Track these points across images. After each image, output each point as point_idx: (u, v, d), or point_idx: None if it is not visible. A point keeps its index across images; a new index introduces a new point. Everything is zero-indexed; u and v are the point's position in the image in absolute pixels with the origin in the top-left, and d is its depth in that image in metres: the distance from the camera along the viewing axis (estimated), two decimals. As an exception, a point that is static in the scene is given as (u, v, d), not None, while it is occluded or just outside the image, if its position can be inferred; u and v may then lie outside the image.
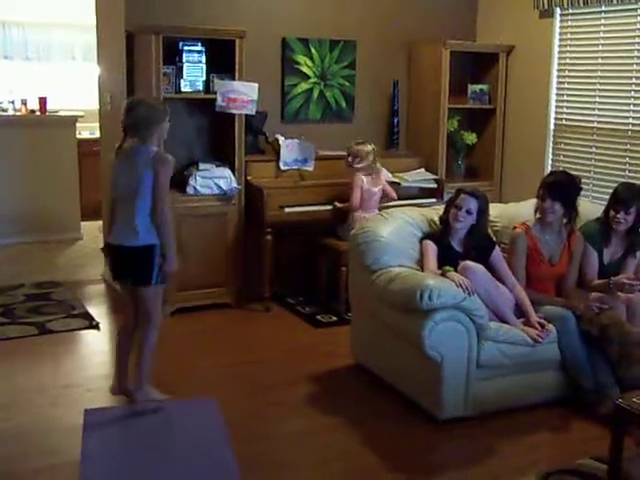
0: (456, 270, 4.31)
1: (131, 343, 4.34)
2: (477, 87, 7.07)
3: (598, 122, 6.29)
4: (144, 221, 3.99)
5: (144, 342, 4.23)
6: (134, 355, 4.29)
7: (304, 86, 6.60)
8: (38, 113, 8.46)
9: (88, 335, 5.60)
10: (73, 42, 9.95)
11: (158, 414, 4.22)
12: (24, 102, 8.54)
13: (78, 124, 8.52)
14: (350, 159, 6.05)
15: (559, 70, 6.60)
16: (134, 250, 4.05)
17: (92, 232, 8.30)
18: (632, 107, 5.99)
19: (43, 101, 8.43)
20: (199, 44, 5.87)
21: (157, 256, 4.04)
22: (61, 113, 8.66)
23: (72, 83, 9.92)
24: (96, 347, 5.46)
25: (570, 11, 6.42)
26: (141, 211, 3.99)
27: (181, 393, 4.47)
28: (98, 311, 6.04)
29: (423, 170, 6.82)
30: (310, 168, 6.31)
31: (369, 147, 6.05)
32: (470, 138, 7.06)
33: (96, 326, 5.71)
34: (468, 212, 4.53)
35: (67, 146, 8.31)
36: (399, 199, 6.26)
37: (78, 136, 8.60)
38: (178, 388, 4.55)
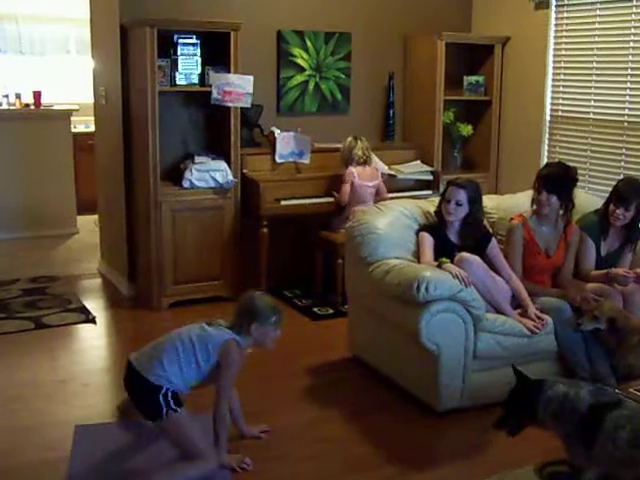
0: (452, 262, 4.31)
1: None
2: (473, 79, 7.06)
3: (594, 113, 6.28)
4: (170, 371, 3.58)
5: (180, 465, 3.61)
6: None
7: (299, 78, 6.59)
8: (32, 107, 8.45)
9: (84, 329, 5.60)
10: (67, 36, 9.94)
11: (156, 434, 3.83)
12: (18, 96, 8.53)
13: (73, 118, 8.50)
14: (342, 154, 6.08)
15: (555, 61, 6.59)
16: (148, 385, 3.58)
17: (88, 226, 8.28)
18: (628, 98, 5.99)
19: (37, 95, 8.41)
20: (194, 37, 5.85)
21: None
22: (56, 107, 8.64)
23: (66, 77, 9.90)
24: (92, 341, 5.45)
25: (566, 2, 6.41)
26: (176, 363, 3.60)
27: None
28: (94, 305, 6.04)
29: (419, 162, 6.82)
30: (306, 161, 6.31)
31: (359, 142, 6.05)
32: (466, 130, 7.05)
33: (92, 320, 5.71)
34: (458, 204, 4.52)
35: (62, 140, 8.30)
36: (395, 191, 6.26)
37: (73, 130, 8.58)
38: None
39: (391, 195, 6.10)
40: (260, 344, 3.80)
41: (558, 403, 3.20)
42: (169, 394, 3.54)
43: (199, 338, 3.64)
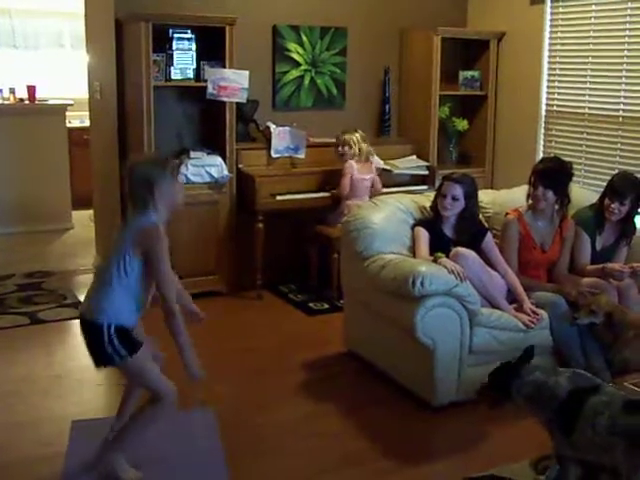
0: (448, 256, 4.31)
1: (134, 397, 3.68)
2: (468, 73, 7.06)
3: (589, 108, 6.29)
4: (107, 297, 3.33)
5: (142, 412, 3.46)
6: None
7: (295, 73, 6.58)
8: (27, 102, 8.42)
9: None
10: (62, 30, 9.90)
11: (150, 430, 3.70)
12: (12, 91, 8.48)
13: (68, 113, 8.49)
14: (340, 148, 6.07)
15: (550, 56, 6.59)
16: (90, 325, 3.36)
17: (83, 221, 8.28)
18: (623, 93, 5.99)
19: (32, 89, 8.39)
20: (189, 32, 5.84)
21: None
22: (50, 102, 8.61)
23: (61, 71, 9.86)
24: (88, 336, 5.45)
25: (561, -3, 6.42)
26: (108, 285, 3.32)
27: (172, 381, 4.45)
28: (90, 300, 6.02)
29: (414, 157, 6.81)
30: (301, 156, 6.30)
31: (357, 135, 6.06)
32: (461, 125, 7.05)
33: (88, 315, 5.69)
34: (454, 198, 4.52)
35: (57, 135, 8.28)
36: (390, 186, 6.26)
37: (68, 125, 8.57)
38: (169, 377, 4.53)
39: (387, 190, 6.09)
40: (173, 207, 3.39)
41: (534, 388, 3.25)
42: (112, 329, 3.27)
43: (115, 252, 3.30)
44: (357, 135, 6.08)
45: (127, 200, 3.40)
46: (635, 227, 4.91)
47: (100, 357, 3.37)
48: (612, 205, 4.73)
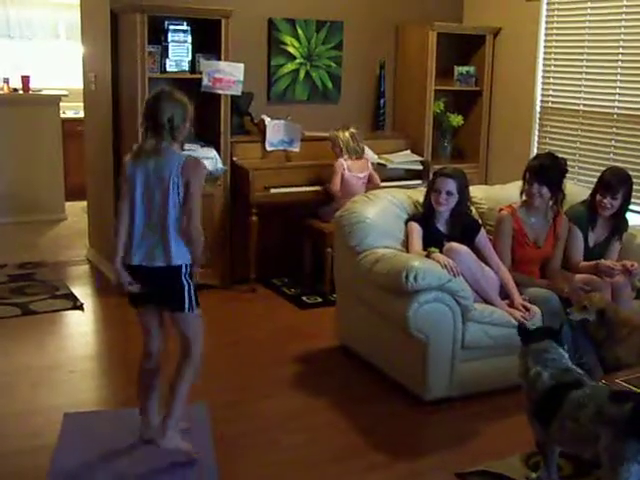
0: (441, 251, 4.31)
1: (157, 378, 3.75)
2: (463, 69, 7.06)
3: (584, 105, 6.29)
4: (177, 237, 3.42)
5: (184, 374, 3.59)
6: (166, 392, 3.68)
7: (290, 67, 6.56)
8: (21, 92, 8.40)
9: (72, 316, 5.58)
10: (57, 20, 9.85)
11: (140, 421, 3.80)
12: (6, 80, 8.46)
13: (62, 103, 8.46)
14: (330, 145, 6.07)
15: (545, 53, 6.59)
16: (170, 271, 3.44)
17: (76, 212, 8.26)
18: (618, 90, 5.99)
19: (26, 80, 8.36)
20: (185, 23, 5.82)
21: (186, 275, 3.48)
22: (44, 92, 8.58)
23: (56, 62, 9.81)
24: (80, 328, 5.45)
25: (557, -7, 6.42)
26: (173, 226, 3.41)
27: (163, 375, 4.44)
28: (82, 292, 6.02)
29: (409, 152, 6.81)
30: (296, 149, 6.29)
31: (346, 134, 6.04)
32: (456, 120, 7.05)
33: (80, 307, 5.69)
34: (449, 193, 4.51)
35: (51, 126, 8.25)
36: (385, 180, 6.26)
37: (62, 115, 8.54)
38: (163, 369, 4.53)
39: (381, 184, 6.09)
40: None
41: (523, 369, 3.42)
42: (186, 270, 3.44)
43: (161, 188, 3.37)
44: (346, 133, 6.05)
45: (147, 129, 3.40)
46: (627, 223, 4.93)
47: (180, 303, 3.46)
48: (604, 200, 4.74)
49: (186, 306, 3.48)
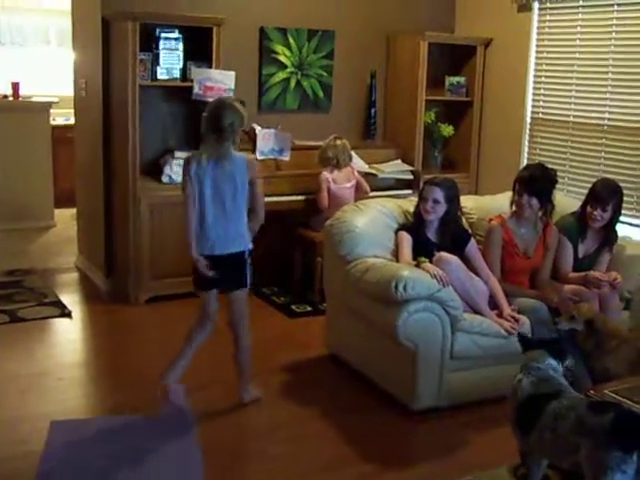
0: (431, 261, 4.31)
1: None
2: (454, 79, 7.08)
3: (574, 116, 6.32)
4: (244, 226, 4.10)
5: (244, 345, 4.28)
6: (236, 357, 4.32)
7: (281, 76, 6.57)
8: (11, 98, 8.36)
9: (60, 323, 5.56)
10: (48, 26, 9.84)
11: (129, 429, 3.94)
12: (-4, 87, 8.45)
13: (52, 110, 8.43)
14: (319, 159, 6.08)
15: (536, 64, 6.62)
16: (239, 256, 4.11)
17: (65, 219, 8.23)
18: (608, 102, 6.02)
19: (16, 86, 8.33)
20: (176, 31, 5.83)
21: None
22: (35, 99, 8.56)
23: (46, 68, 9.79)
24: (68, 335, 5.42)
25: (548, 5, 6.43)
26: (242, 216, 4.07)
27: (151, 383, 4.43)
28: (70, 299, 5.99)
29: (400, 161, 6.82)
30: (286, 158, 6.29)
31: (332, 142, 6.04)
32: (447, 130, 7.06)
33: (68, 314, 5.67)
34: (435, 202, 4.52)
35: (41, 132, 8.22)
36: (375, 190, 6.26)
37: (52, 122, 8.51)
38: (148, 377, 4.51)
39: (371, 194, 6.09)
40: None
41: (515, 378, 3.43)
42: (248, 254, 4.11)
43: (230, 184, 3.96)
44: (336, 143, 6.04)
45: (211, 133, 3.93)
46: (617, 235, 4.94)
47: (244, 280, 4.15)
48: (595, 212, 4.75)
49: (248, 281, 4.16)
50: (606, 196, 4.75)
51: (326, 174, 6.00)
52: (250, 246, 4.13)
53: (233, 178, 3.96)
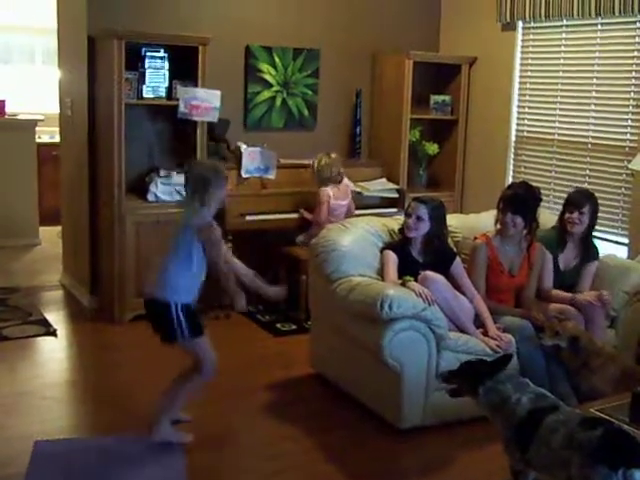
0: (416, 280, 4.32)
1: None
2: (439, 98, 7.11)
3: (559, 134, 6.35)
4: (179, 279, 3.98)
5: (197, 380, 4.05)
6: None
7: (267, 94, 6.59)
8: (-4, 116, 8.36)
9: (45, 342, 5.52)
10: (33, 45, 9.84)
11: (114, 449, 3.90)
12: (-18, 105, 8.42)
13: (38, 128, 8.42)
14: (313, 174, 6.09)
15: (520, 82, 6.67)
16: (163, 305, 3.94)
17: (50, 237, 8.19)
18: (592, 120, 6.06)
19: (1, 104, 8.31)
20: (162, 50, 5.83)
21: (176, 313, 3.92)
22: (20, 117, 8.54)
23: (32, 86, 9.79)
24: (53, 354, 5.39)
25: (532, 24, 6.48)
26: (179, 269, 3.97)
27: (136, 403, 4.41)
28: (55, 317, 5.97)
29: (385, 180, 6.84)
30: (272, 176, 6.30)
31: (326, 160, 6.05)
32: (432, 148, 7.09)
33: (53, 333, 5.64)
34: (418, 218, 4.54)
35: (26, 150, 8.20)
36: (361, 208, 6.27)
37: (37, 140, 8.50)
38: (133, 396, 4.50)
39: (356, 212, 6.10)
40: (219, 206, 4.00)
41: (501, 399, 3.36)
42: (179, 307, 3.90)
43: (180, 243, 3.92)
44: (332, 159, 6.05)
45: (186, 196, 3.96)
46: (597, 249, 4.98)
47: (168, 333, 3.93)
48: (572, 216, 4.83)
49: (177, 335, 3.94)
50: (580, 198, 4.89)
51: (328, 189, 6.00)
52: (183, 301, 3.94)
53: (182, 236, 3.92)
